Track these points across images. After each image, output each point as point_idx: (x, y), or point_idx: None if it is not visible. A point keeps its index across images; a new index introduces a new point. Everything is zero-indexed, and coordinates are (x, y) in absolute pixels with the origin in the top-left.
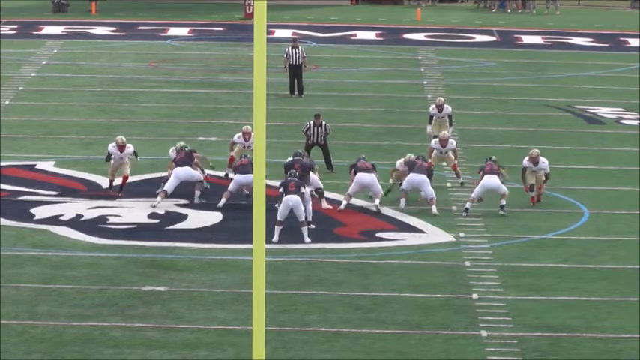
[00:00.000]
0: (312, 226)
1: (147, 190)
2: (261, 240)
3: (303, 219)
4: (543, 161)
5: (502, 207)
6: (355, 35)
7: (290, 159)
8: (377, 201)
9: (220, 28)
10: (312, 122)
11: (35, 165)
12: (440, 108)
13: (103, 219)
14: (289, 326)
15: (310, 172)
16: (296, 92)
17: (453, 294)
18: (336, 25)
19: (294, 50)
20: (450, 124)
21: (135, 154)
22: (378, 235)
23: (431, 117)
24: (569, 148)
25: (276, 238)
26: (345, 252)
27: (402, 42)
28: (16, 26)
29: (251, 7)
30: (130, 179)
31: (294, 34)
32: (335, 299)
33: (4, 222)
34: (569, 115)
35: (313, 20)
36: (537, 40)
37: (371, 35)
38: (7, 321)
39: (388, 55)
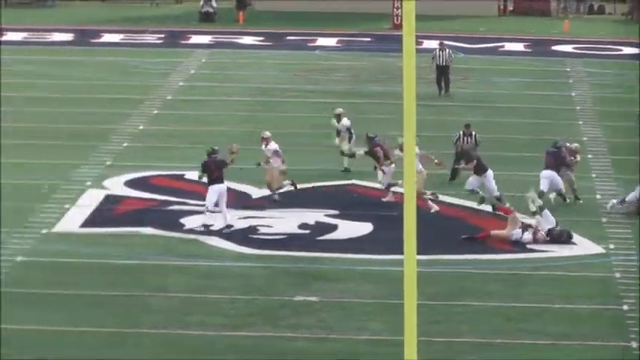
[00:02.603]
0: None
1: (298, 200)
2: (412, 251)
3: None
4: None
5: None
6: (503, 46)
7: None
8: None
9: (368, 39)
10: (462, 132)
11: (184, 175)
12: (338, 118)
13: (253, 229)
14: (440, 337)
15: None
16: (442, 90)
17: (603, 305)
18: (484, 36)
19: (441, 52)
20: (350, 140)
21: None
22: (529, 246)
23: (338, 132)
24: None
25: None
26: (497, 263)
27: (550, 53)
28: (163, 35)
29: (399, 18)
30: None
31: (441, 44)
32: (486, 310)
33: (153, 231)
34: None
35: (461, 31)
36: None
37: (519, 46)
38: (157, 330)
39: (536, 67)
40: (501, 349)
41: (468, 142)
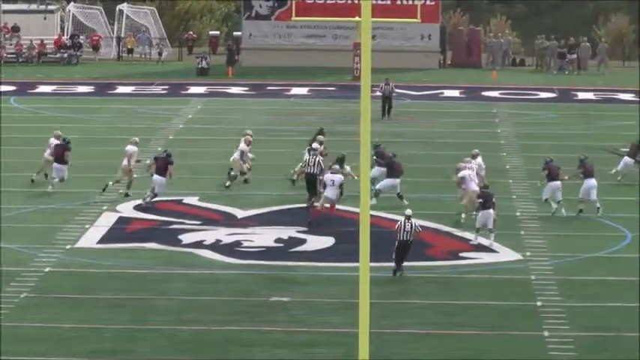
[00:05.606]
0: None
1: (274, 220)
2: (366, 259)
3: None
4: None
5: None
6: (443, 93)
7: None
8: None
9: (333, 88)
10: None
11: (182, 200)
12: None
13: (238, 243)
14: (389, 328)
15: None
16: (386, 116)
17: (521, 302)
18: (427, 85)
19: (386, 86)
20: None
21: None
22: (461, 254)
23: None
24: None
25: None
26: (435, 269)
27: (481, 98)
28: (167, 87)
29: (358, 71)
30: (261, 210)
31: (386, 80)
32: (426, 307)
33: (157, 246)
34: (616, 156)
35: (409, 81)
36: (590, 96)
37: (455, 93)
38: (160, 326)
39: (470, 109)
40: (438, 338)
41: None
